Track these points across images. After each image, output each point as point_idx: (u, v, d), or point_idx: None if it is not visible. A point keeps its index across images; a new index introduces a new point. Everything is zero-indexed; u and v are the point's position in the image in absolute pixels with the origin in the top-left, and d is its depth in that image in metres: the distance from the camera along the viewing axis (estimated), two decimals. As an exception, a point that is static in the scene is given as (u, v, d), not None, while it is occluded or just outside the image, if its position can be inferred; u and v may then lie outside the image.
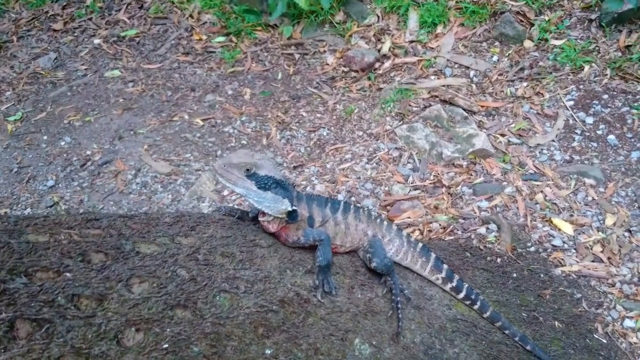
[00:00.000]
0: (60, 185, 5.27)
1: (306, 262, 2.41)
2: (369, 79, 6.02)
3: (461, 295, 2.97)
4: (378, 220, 2.83)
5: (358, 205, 2.87)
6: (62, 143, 5.69)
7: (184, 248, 2.17)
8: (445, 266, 2.96)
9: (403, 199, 4.55)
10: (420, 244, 2.93)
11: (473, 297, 2.97)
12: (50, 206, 5.04)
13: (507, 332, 2.97)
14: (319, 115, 5.78)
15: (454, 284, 2.97)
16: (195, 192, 5.06)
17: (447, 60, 5.93)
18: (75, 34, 7.08)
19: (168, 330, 1.84)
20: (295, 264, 2.37)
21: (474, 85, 5.62)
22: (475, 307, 2.99)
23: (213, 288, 2.04)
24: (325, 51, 6.49)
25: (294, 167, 5.19)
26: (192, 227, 2.35)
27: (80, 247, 1.96)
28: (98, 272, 1.90)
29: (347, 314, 2.32)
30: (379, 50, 6.24)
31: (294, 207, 2.46)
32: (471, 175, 4.67)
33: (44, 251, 1.90)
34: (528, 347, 2.93)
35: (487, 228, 4.08)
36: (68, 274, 1.84)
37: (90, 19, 7.22)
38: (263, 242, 2.41)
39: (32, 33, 7.14)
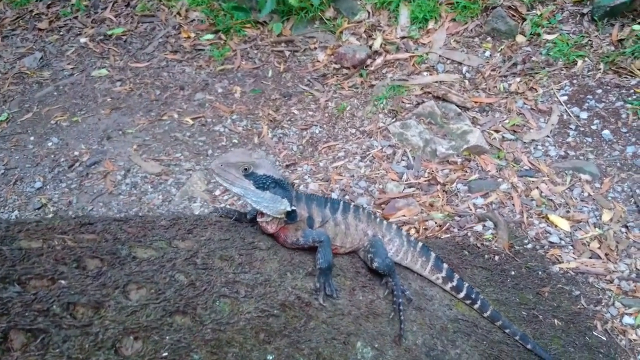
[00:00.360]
0: (48, 186, 5.18)
1: (306, 264, 2.36)
2: (361, 75, 5.97)
3: (461, 294, 2.94)
4: (378, 219, 2.78)
5: (357, 205, 2.83)
6: (50, 144, 5.59)
7: (182, 252, 2.11)
8: (445, 265, 2.92)
9: (398, 197, 4.51)
10: (420, 244, 2.88)
11: (473, 296, 2.93)
12: (39, 208, 4.95)
13: (507, 331, 2.93)
14: (310, 113, 5.72)
15: (454, 283, 2.93)
16: (186, 192, 4.99)
17: (439, 56, 5.89)
18: (61, 33, 6.96)
19: (167, 337, 1.78)
20: (296, 267, 2.32)
21: (466, 81, 5.58)
22: (476, 306, 2.95)
23: (213, 293, 1.98)
24: (315, 48, 6.43)
25: (287, 166, 5.13)
26: (189, 230, 2.29)
27: (74, 253, 1.90)
28: (94, 278, 1.83)
29: (349, 317, 2.27)
30: (370, 47, 6.19)
31: (293, 207, 2.41)
32: (466, 172, 4.63)
33: (38, 258, 1.83)
34: (529, 346, 2.90)
35: (484, 225, 4.05)
36: (63, 282, 1.77)
37: (76, 18, 7.11)
38: (262, 245, 2.35)
39: (17, 32, 7.01)
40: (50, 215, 4.89)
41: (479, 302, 2.94)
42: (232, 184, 2.32)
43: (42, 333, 1.60)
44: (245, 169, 2.30)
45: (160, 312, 1.83)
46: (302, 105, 5.83)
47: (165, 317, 1.82)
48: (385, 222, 2.82)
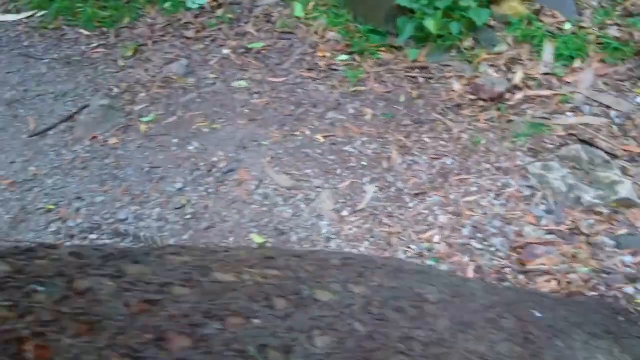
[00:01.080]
0: (187, 188, 5.43)
1: (476, 325, 2.31)
2: (499, 109, 5.81)
3: None
4: None
5: None
6: (191, 148, 5.87)
7: (357, 298, 2.12)
8: None
9: (537, 243, 4.35)
10: None
11: None
12: (179, 208, 5.21)
13: None
14: (442, 142, 5.63)
15: None
16: (314, 210, 5.06)
17: (586, 97, 5.62)
18: (206, 43, 7.29)
19: (349, 390, 1.79)
20: (467, 326, 2.27)
21: (615, 127, 5.29)
22: None
23: (389, 347, 1.97)
24: (450, 77, 6.34)
25: (416, 195, 5.08)
26: (360, 273, 2.30)
27: (263, 291, 1.95)
28: (282, 320, 1.87)
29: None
30: (509, 80, 6.01)
31: None
32: (613, 225, 4.38)
33: (232, 293, 1.89)
34: None
35: (635, 288, 3.81)
36: (256, 321, 1.82)
37: (220, 30, 7.41)
38: (431, 297, 2.33)
39: (166, 39, 7.42)
40: (188, 216, 5.12)
41: None
42: None
43: (240, 375, 1.64)
44: None
45: (343, 362, 1.84)
46: (434, 134, 5.75)
47: (348, 368, 1.83)
48: None
